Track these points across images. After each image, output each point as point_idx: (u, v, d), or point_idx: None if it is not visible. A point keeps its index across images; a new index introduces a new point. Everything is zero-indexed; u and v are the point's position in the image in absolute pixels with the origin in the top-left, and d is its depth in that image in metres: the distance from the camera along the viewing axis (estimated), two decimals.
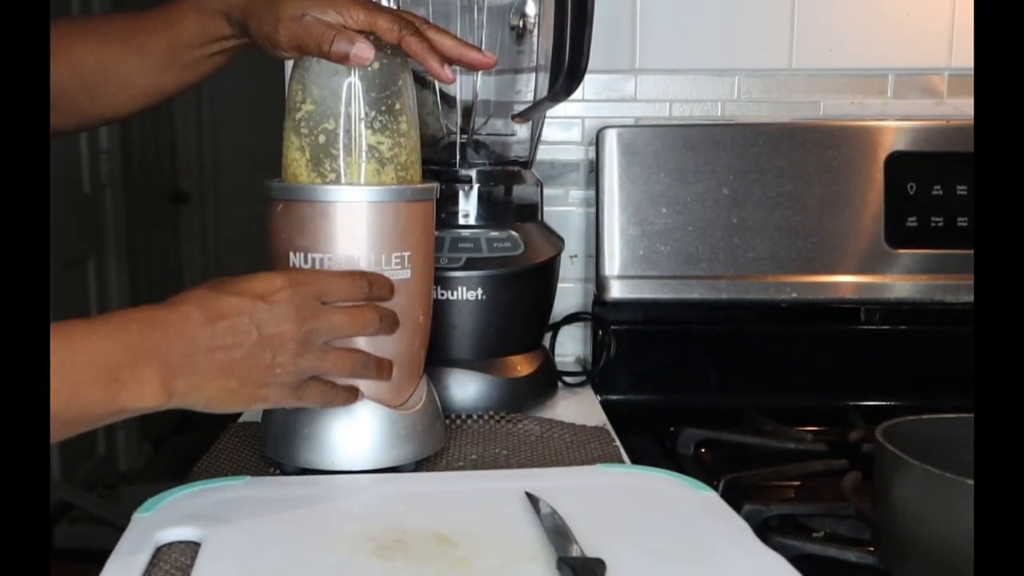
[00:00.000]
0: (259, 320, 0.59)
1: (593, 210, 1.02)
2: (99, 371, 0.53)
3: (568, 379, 0.98)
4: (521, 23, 0.91)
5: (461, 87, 0.90)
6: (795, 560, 0.55)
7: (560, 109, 1.08)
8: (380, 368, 0.67)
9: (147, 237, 3.26)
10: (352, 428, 0.68)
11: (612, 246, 0.99)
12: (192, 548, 0.57)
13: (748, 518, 0.64)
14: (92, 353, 0.54)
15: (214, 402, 0.59)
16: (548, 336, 1.00)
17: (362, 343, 0.68)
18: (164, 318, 0.57)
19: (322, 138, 0.67)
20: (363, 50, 0.64)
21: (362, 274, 0.66)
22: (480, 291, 0.85)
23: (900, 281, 0.99)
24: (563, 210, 1.10)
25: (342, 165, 0.67)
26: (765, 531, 0.67)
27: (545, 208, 0.95)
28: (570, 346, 1.11)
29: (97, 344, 0.54)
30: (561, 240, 0.93)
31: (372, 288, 0.66)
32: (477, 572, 0.53)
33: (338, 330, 0.63)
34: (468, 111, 0.90)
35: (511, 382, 0.87)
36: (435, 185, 0.72)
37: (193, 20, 0.71)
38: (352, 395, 0.67)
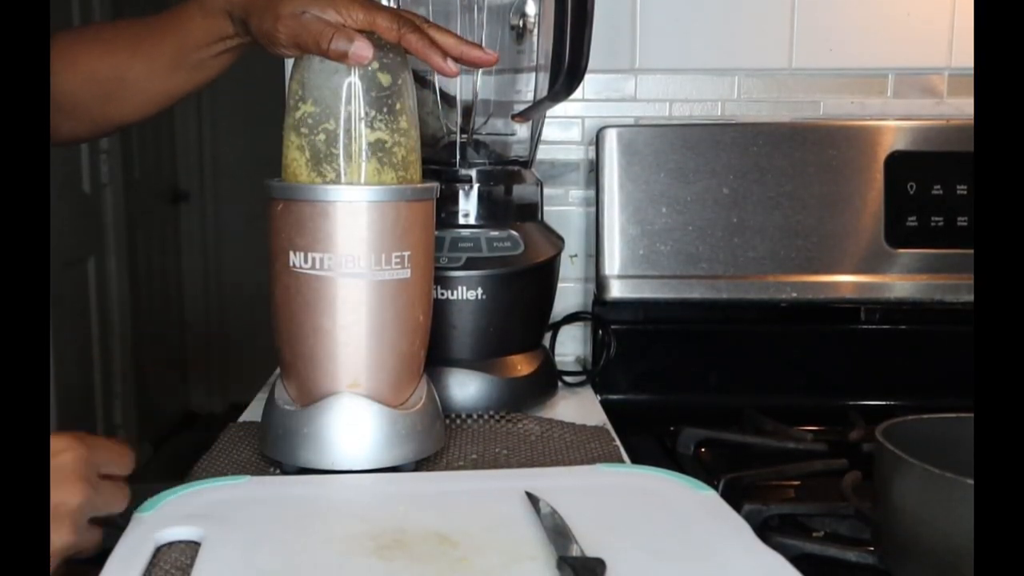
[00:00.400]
0: None
1: (593, 210, 1.02)
2: None
3: (568, 379, 0.98)
4: (521, 23, 0.91)
5: (461, 87, 0.90)
6: (795, 560, 0.55)
7: (560, 109, 1.08)
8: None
9: (147, 237, 3.26)
10: (352, 428, 0.68)
11: (612, 246, 0.99)
12: (192, 548, 0.57)
13: (748, 518, 0.63)
14: None
15: None
16: (548, 336, 1.00)
17: (364, 344, 0.68)
18: None
19: (322, 137, 0.67)
20: (362, 49, 0.64)
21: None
22: (480, 291, 0.85)
23: (900, 281, 0.99)
24: (563, 210, 1.10)
25: (342, 164, 0.67)
26: (765, 531, 0.67)
27: (545, 208, 0.95)
28: (570, 346, 1.11)
29: None
30: (561, 240, 0.93)
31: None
32: (477, 572, 0.53)
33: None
34: (468, 111, 0.90)
35: (511, 382, 0.87)
36: (435, 185, 0.72)
37: (198, 21, 0.71)
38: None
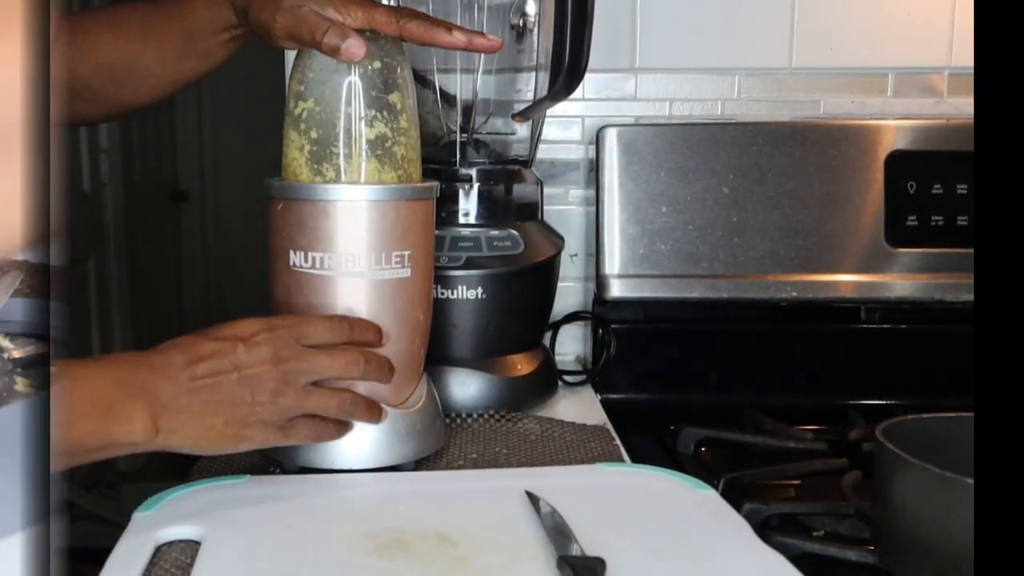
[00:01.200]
0: (238, 361, 0.61)
1: (593, 209, 1.02)
2: (93, 404, 0.55)
3: (568, 378, 0.98)
4: (521, 22, 0.91)
5: (461, 86, 0.90)
6: (795, 559, 0.55)
7: (560, 108, 1.07)
8: (370, 410, 0.67)
9: (147, 237, 3.26)
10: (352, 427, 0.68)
11: (612, 245, 0.99)
12: (192, 547, 0.57)
13: (748, 517, 0.64)
14: (86, 387, 0.56)
15: (201, 442, 0.60)
16: (548, 335, 1.00)
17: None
18: (150, 360, 0.59)
19: (322, 136, 0.67)
20: (354, 47, 0.65)
21: (343, 318, 0.66)
22: (480, 290, 0.85)
23: (900, 280, 0.99)
24: (563, 209, 1.10)
25: (342, 164, 0.67)
26: (765, 530, 0.67)
27: (545, 207, 0.95)
28: (570, 345, 1.11)
29: (91, 380, 0.56)
30: (561, 239, 0.93)
31: (355, 331, 0.66)
32: (477, 571, 0.53)
33: (318, 369, 0.63)
34: (468, 110, 0.90)
35: (511, 381, 0.87)
36: (435, 184, 0.72)
37: (203, 9, 0.72)
38: (343, 428, 0.67)
